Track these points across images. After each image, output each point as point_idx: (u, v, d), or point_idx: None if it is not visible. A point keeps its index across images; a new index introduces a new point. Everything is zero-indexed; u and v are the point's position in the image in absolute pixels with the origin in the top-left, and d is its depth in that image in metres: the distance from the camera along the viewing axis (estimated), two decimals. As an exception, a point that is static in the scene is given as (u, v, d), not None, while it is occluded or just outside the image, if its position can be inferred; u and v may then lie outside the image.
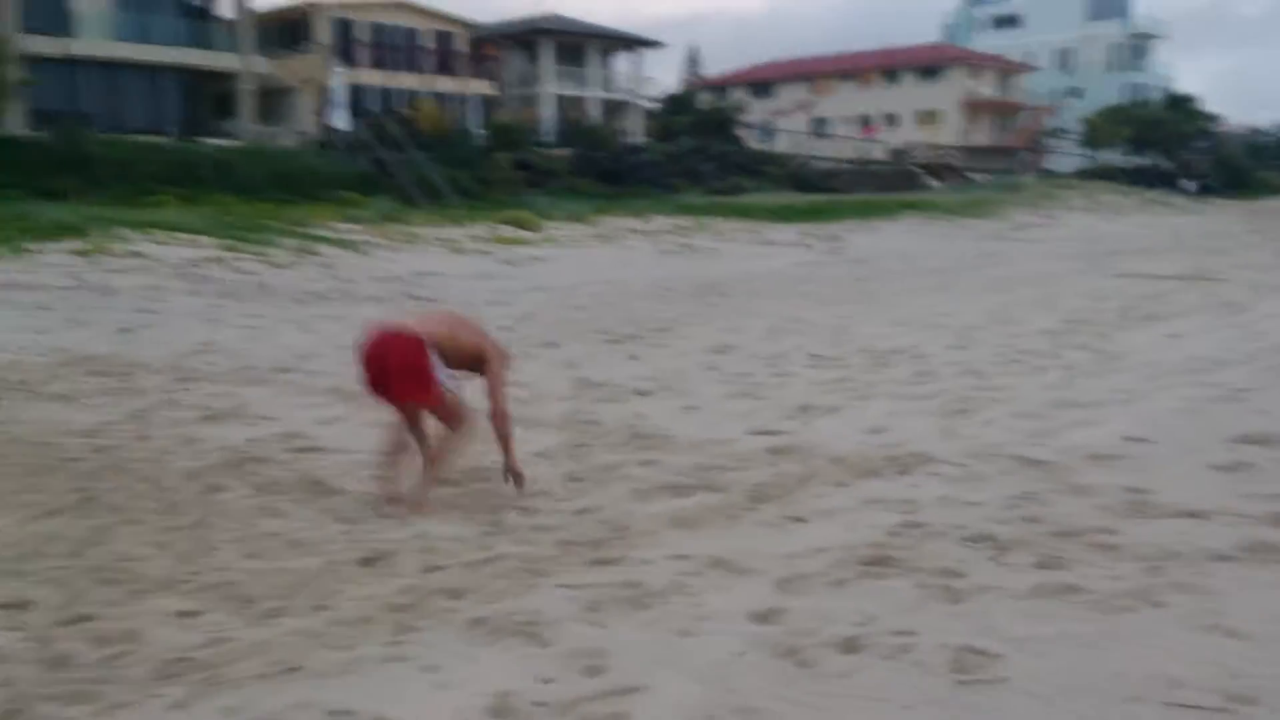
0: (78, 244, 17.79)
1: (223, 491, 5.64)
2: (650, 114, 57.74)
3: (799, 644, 3.48)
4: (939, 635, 3.51)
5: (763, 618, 3.74)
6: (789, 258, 24.91)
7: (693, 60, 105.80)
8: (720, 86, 77.82)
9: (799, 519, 4.97)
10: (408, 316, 5.70)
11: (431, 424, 5.55)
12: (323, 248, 20.15)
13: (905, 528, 4.76)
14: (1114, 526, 4.71)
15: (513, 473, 5.56)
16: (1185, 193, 61.05)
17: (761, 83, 76.78)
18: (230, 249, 18.94)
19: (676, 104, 58.12)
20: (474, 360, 5.52)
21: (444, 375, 5.29)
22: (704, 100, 62.74)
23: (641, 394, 8.67)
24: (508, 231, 25.32)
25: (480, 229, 24.93)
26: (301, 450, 6.64)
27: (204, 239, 19.65)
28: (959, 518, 4.89)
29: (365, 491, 5.53)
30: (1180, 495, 5.14)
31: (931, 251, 27.35)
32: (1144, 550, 4.37)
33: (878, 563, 4.28)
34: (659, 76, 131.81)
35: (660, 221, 29.99)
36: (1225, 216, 46.28)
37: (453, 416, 5.40)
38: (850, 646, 3.46)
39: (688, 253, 24.50)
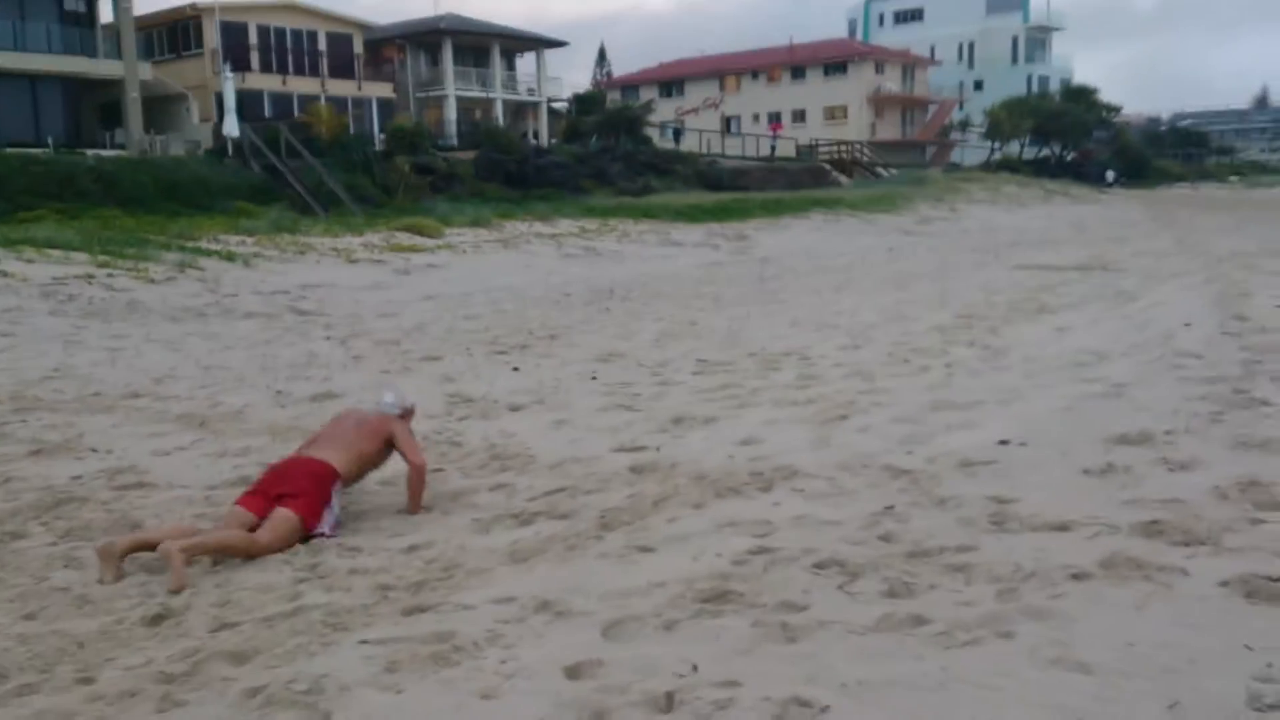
0: (-61, 264, 16.90)
1: (21, 539, 5.15)
2: (559, 115, 57.35)
3: (609, 705, 3.12)
4: (765, 685, 3.17)
5: (576, 672, 3.37)
6: (694, 258, 24.67)
7: (602, 59, 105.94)
8: (630, 86, 77.74)
9: (645, 548, 4.61)
10: (324, 444, 5.61)
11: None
12: (206, 261, 19.42)
13: (755, 554, 4.43)
14: (972, 543, 4.42)
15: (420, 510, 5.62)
16: (1105, 183, 62.10)
17: (671, 81, 76.79)
18: (104, 265, 18.15)
19: (584, 104, 57.70)
20: (381, 455, 5.72)
21: (329, 518, 5.23)
22: (612, 100, 62.53)
23: (514, 409, 8.28)
24: (405, 239, 24.75)
25: (377, 237, 24.33)
26: (126, 488, 6.14)
27: (78, 255, 18.81)
28: (814, 540, 4.57)
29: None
30: (1046, 505, 4.88)
31: (837, 248, 27.31)
32: (999, 570, 4.08)
33: (716, 598, 3.94)
34: (571, 77, 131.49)
35: (565, 225, 29.60)
36: (1126, 205, 47.11)
37: (283, 535, 5.00)
38: (665, 705, 3.11)
39: (590, 256, 24.13)
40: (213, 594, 4.33)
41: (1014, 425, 6.63)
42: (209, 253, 20.41)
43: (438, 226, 26.58)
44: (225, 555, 4.83)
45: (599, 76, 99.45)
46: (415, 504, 5.58)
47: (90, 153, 33.22)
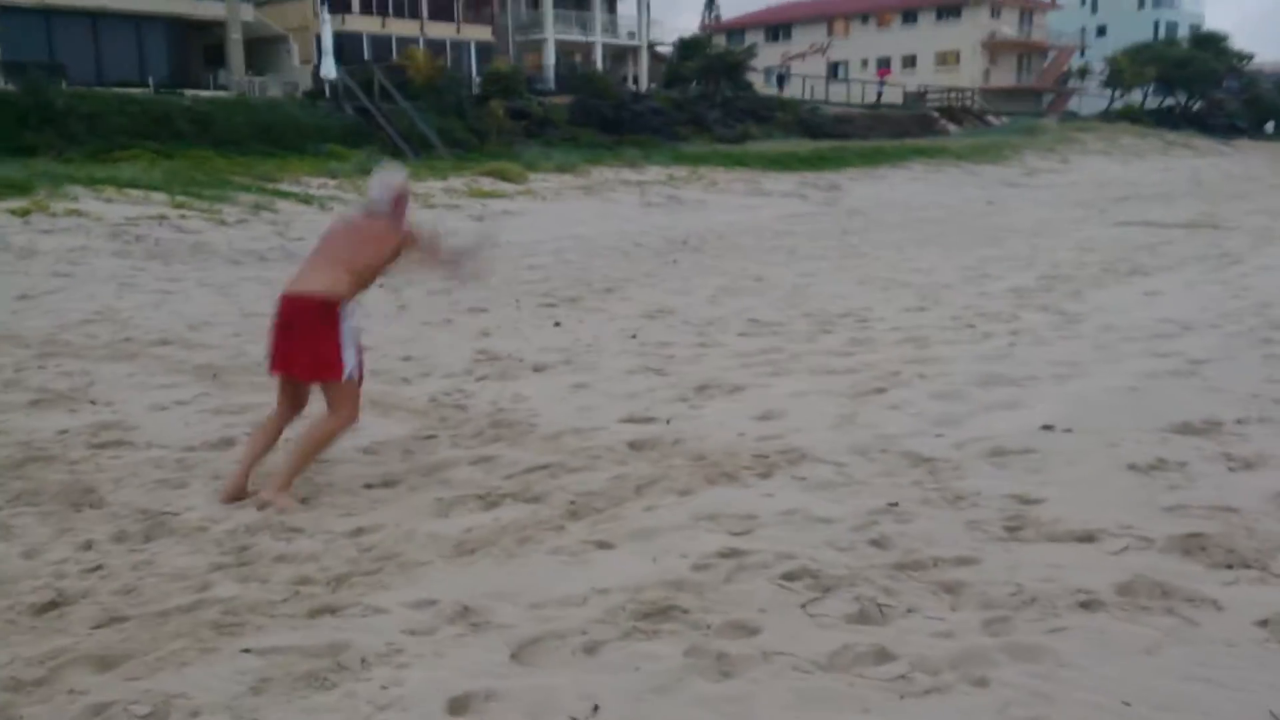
0: (19, 202, 16.99)
1: (-35, 501, 4.84)
2: (663, 59, 56.38)
3: (475, 753, 2.63)
4: (669, 737, 2.65)
5: (461, 706, 2.88)
6: (780, 209, 23.88)
7: (710, 3, 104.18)
8: (736, 30, 76.18)
9: (605, 544, 4.10)
10: (312, 268, 5.12)
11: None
12: (282, 204, 19.30)
13: (723, 557, 3.89)
14: (975, 554, 3.83)
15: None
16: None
17: (778, 25, 75.05)
18: (180, 206, 18.12)
19: (687, 49, 56.61)
20: (385, 260, 5.19)
21: (350, 347, 5.01)
22: (717, 45, 61.27)
23: (538, 369, 7.80)
24: (488, 184, 24.39)
25: (460, 181, 24.00)
26: (104, 446, 5.81)
27: (157, 196, 18.83)
28: (795, 542, 4.01)
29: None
30: (1074, 507, 4.25)
31: (933, 200, 26.25)
32: (995, 592, 3.48)
33: (658, 614, 3.42)
34: (678, 21, 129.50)
35: (653, 172, 28.95)
36: (1252, 159, 44.72)
37: (343, 402, 5.02)
38: (539, 756, 2.61)
39: (672, 205, 23.49)
40: (125, 576, 3.94)
41: (1065, 406, 5.95)
42: (287, 195, 20.29)
43: (522, 172, 26.15)
44: (321, 451, 5.05)
45: (706, 20, 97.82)
46: (453, 268, 5.46)
47: (189, 93, 33.42)
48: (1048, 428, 5.48)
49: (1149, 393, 6.19)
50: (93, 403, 6.84)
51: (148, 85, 34.68)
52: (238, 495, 4.82)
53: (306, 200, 19.83)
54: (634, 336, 9.07)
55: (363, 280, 5.11)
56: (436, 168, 26.33)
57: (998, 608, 3.37)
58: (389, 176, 5.33)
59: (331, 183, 22.53)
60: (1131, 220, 19.81)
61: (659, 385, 7.11)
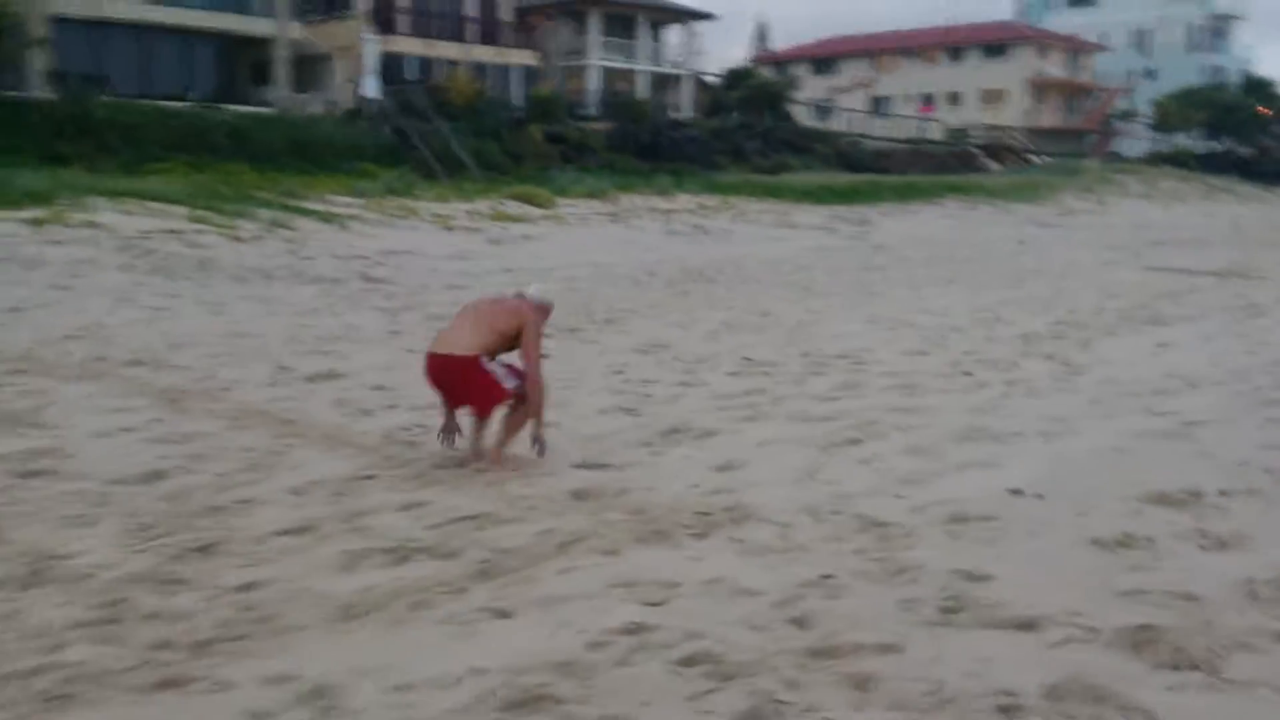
0: (37, 212, 16.98)
1: None
2: (708, 88, 56.25)
3: None
4: None
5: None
6: (804, 242, 23.55)
7: (761, 34, 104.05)
8: (783, 62, 76.01)
9: (504, 613, 3.79)
10: (454, 332, 5.87)
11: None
12: (301, 221, 19.20)
13: (625, 633, 3.57)
14: (900, 640, 3.48)
15: (538, 442, 5.78)
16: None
17: (824, 58, 74.79)
18: (198, 220, 18.05)
19: (734, 79, 56.52)
20: (512, 338, 5.78)
21: (504, 377, 5.71)
22: (763, 76, 61.06)
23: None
24: (513, 208, 24.24)
25: (485, 204, 23.87)
26: (32, 474, 5.56)
27: (177, 209, 18.79)
28: (709, 618, 3.69)
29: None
30: (1023, 588, 3.90)
31: (963, 238, 25.82)
32: (910, 690, 3.14)
33: (529, 703, 3.10)
34: (731, 52, 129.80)
35: (684, 200, 28.73)
36: (1297, 206, 43.89)
37: (521, 395, 5.71)
38: None
39: (696, 235, 23.23)
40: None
41: (1043, 467, 5.59)
42: (308, 212, 20.21)
43: (548, 196, 26.00)
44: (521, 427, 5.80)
45: (758, 52, 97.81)
46: (537, 426, 5.77)
47: (230, 108, 33.58)
48: (1016, 492, 5.13)
49: (1134, 455, 5.82)
50: (40, 426, 6.62)
51: (192, 99, 34.91)
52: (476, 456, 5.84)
53: (326, 219, 19.73)
54: (619, 372, 8.77)
55: (499, 342, 5.74)
56: (465, 189, 26.26)
57: (907, 709, 3.03)
58: (546, 292, 6.19)
59: (356, 202, 22.44)
60: (1161, 265, 19.31)
61: (628, 427, 6.80)
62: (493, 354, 5.71)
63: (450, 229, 20.35)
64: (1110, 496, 5.03)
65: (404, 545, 4.51)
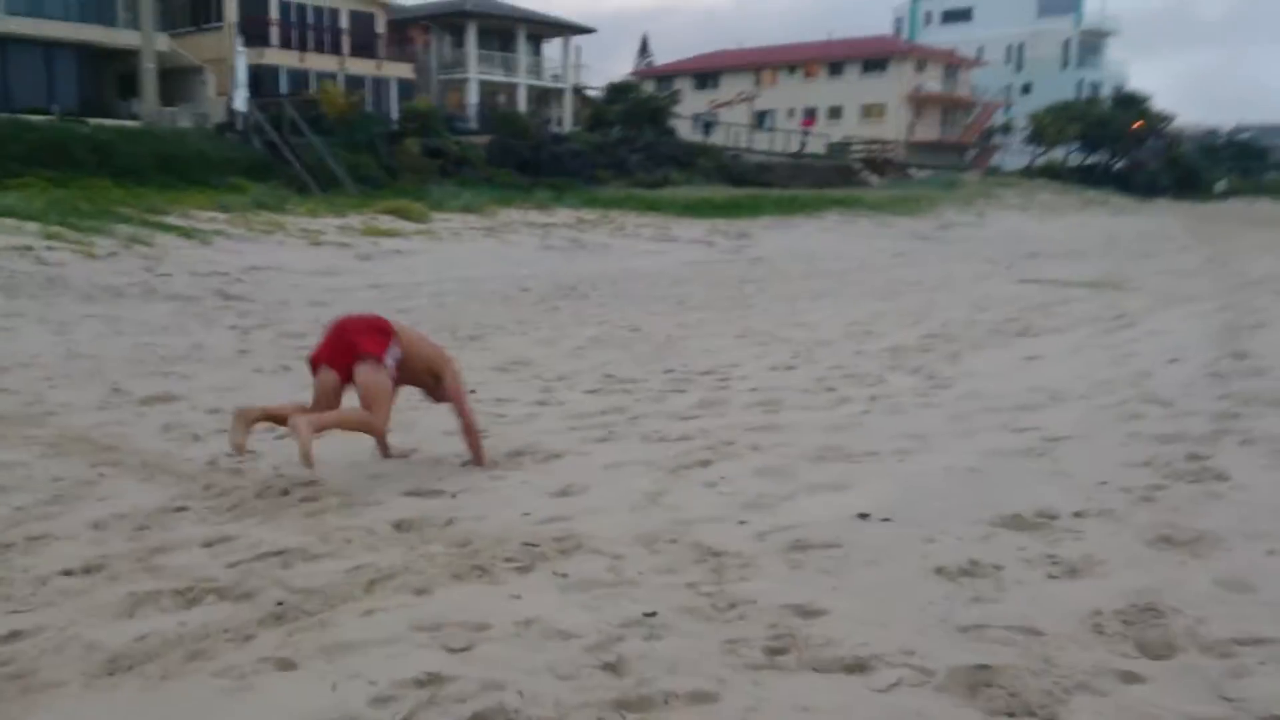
0: None
1: None
2: (590, 102, 56.03)
3: None
4: None
5: None
6: (684, 256, 23.39)
7: (644, 49, 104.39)
8: (665, 75, 76.28)
9: (287, 664, 3.39)
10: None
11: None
12: (161, 237, 18.39)
13: (419, 685, 3.20)
14: (717, 688, 3.17)
15: (484, 464, 5.97)
16: (1217, 193, 59.49)
17: (706, 72, 75.27)
18: (52, 236, 17.15)
19: (616, 93, 56.40)
20: (426, 373, 5.95)
21: (391, 359, 5.64)
22: (645, 90, 61.12)
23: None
24: (387, 222, 23.65)
25: (358, 219, 23.24)
26: None
27: (29, 225, 17.83)
28: (515, 665, 3.34)
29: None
30: (857, 623, 3.63)
31: (841, 252, 25.93)
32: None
33: (289, 772, 2.71)
34: (614, 67, 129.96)
35: (563, 214, 28.44)
36: (1168, 218, 45.21)
37: (377, 405, 5.58)
38: None
39: (573, 249, 22.91)
40: None
41: (895, 489, 5.36)
42: (169, 228, 19.40)
43: (423, 210, 25.48)
44: (348, 430, 5.70)
45: (639, 66, 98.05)
46: (479, 453, 6.01)
47: (94, 122, 32.28)
48: (864, 516, 4.87)
49: (990, 475, 5.62)
50: None
51: (55, 113, 33.46)
52: (247, 421, 5.49)
53: (188, 234, 18.95)
54: (473, 391, 8.35)
55: (411, 356, 5.82)
56: (337, 204, 25.58)
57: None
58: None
59: (221, 216, 21.64)
60: (1035, 278, 19.55)
61: (460, 453, 6.40)
62: (409, 361, 5.79)
63: (318, 244, 19.71)
64: (961, 520, 4.80)
65: (197, 586, 4.07)
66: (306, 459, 5.20)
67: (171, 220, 20.32)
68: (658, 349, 10.95)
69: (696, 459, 6.08)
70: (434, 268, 18.34)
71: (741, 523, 4.82)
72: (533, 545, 4.48)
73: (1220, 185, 64.14)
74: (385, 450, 6.16)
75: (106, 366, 9.29)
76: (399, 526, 4.83)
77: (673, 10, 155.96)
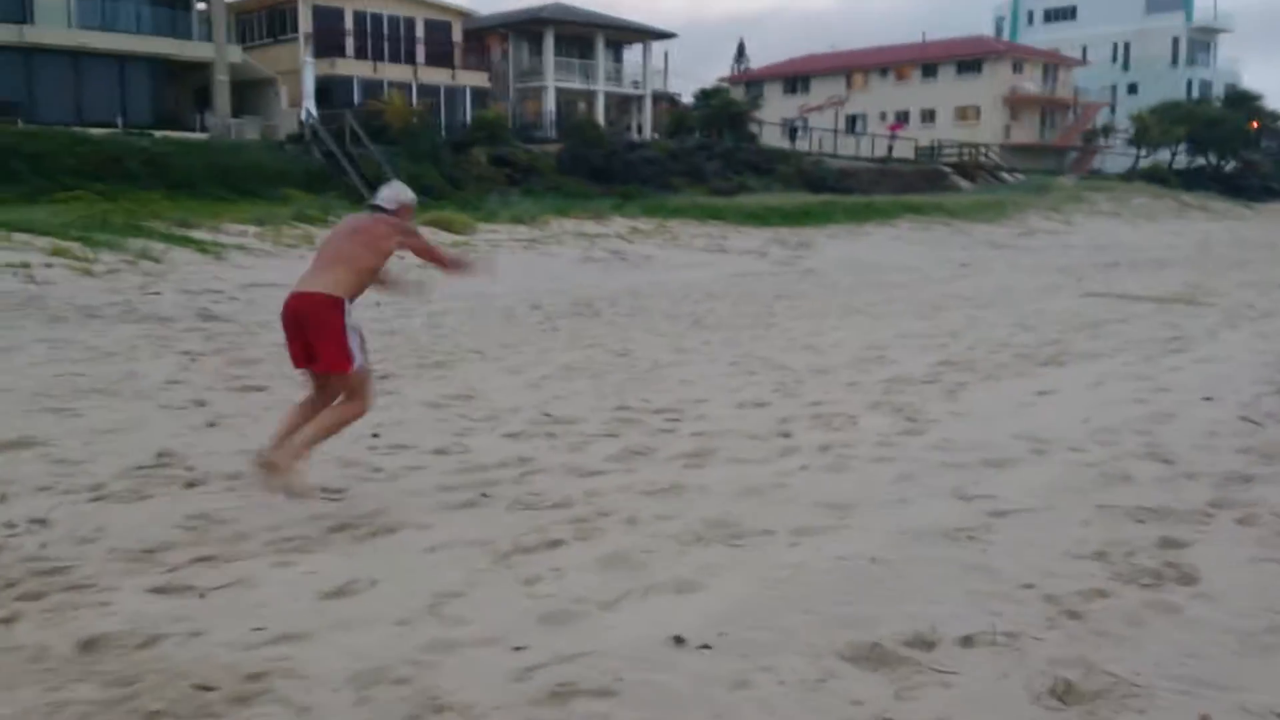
0: None
1: None
2: (677, 108, 55.09)
3: None
4: None
5: None
6: (730, 267, 22.20)
7: (741, 53, 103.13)
8: (755, 80, 74.98)
9: None
10: (317, 269, 5.55)
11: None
12: (177, 252, 17.82)
13: None
14: None
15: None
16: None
17: (796, 77, 73.69)
18: (59, 253, 16.69)
19: (704, 100, 55.35)
20: (380, 263, 5.61)
21: (355, 342, 5.46)
22: (728, 95, 59.93)
23: (191, 485, 6.12)
24: (427, 234, 22.82)
25: (395, 231, 22.45)
26: None
27: (41, 241, 17.42)
28: None
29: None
30: None
31: (904, 262, 24.47)
32: None
33: None
34: (710, 72, 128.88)
35: (619, 224, 27.42)
36: (1272, 223, 42.53)
37: (356, 392, 5.53)
38: None
39: (612, 261, 21.86)
40: None
41: (749, 593, 4.21)
42: (190, 242, 18.85)
43: (469, 221, 24.68)
44: (334, 433, 5.60)
45: (734, 71, 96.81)
46: (456, 265, 6.24)
47: (160, 134, 32.29)
48: (679, 641, 3.72)
49: (888, 572, 4.41)
50: None
51: (130, 126, 33.57)
52: (285, 464, 5.34)
53: (205, 249, 18.36)
54: (375, 435, 7.36)
55: (362, 279, 5.53)
56: (379, 216, 24.86)
57: None
58: (398, 188, 5.85)
59: (251, 230, 21.07)
60: (1103, 291, 17.95)
61: (292, 521, 5.36)
62: (354, 295, 5.49)
63: (340, 259, 18.94)
64: (803, 649, 3.62)
65: None
66: (308, 494, 5.40)
67: (198, 234, 19.78)
68: (633, 378, 9.85)
69: (548, 538, 4.97)
70: (453, 284, 17.40)
71: (517, 649, 3.70)
72: (208, 688, 3.42)
73: None
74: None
75: (19, 400, 8.51)
76: (86, 648, 3.80)
77: (778, 13, 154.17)
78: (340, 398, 5.55)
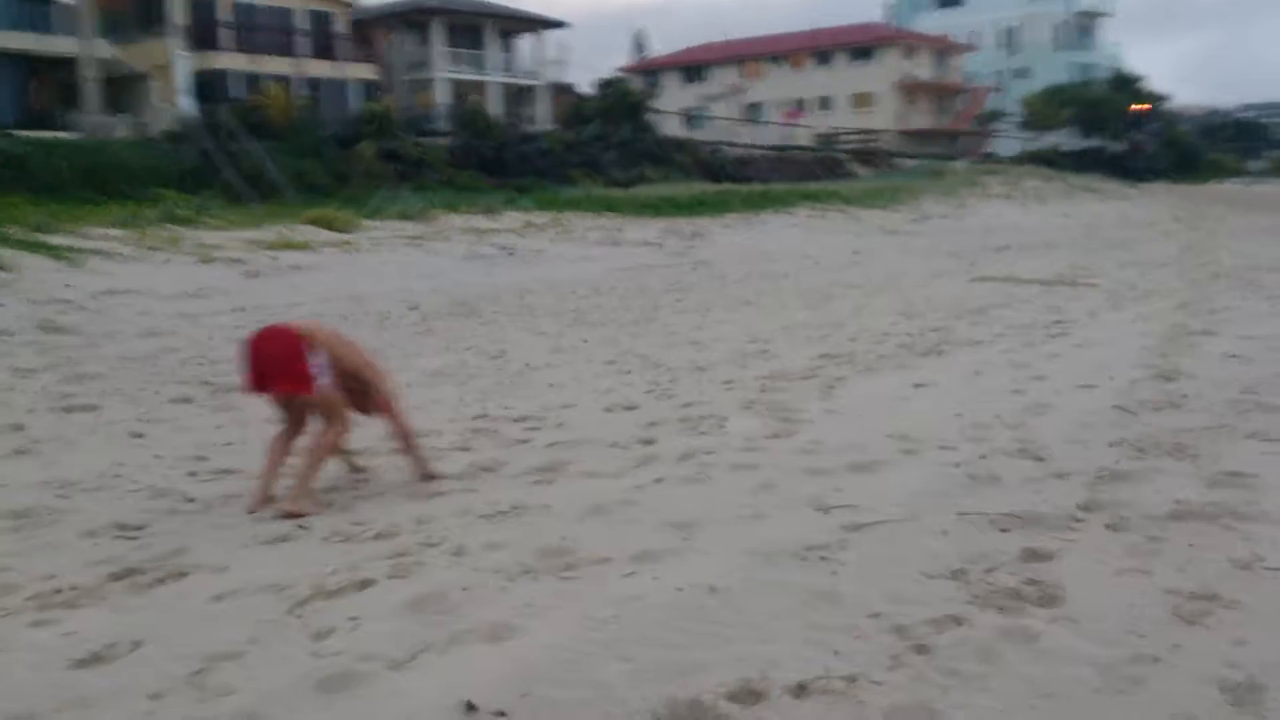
0: None
1: None
2: (574, 98, 54.37)
3: None
4: None
5: None
6: (622, 260, 21.72)
7: (639, 43, 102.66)
8: (652, 70, 74.60)
9: None
10: (295, 321, 5.79)
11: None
12: (27, 259, 16.75)
13: None
14: None
15: (430, 476, 5.93)
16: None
17: (693, 66, 73.49)
18: (-110, 266, 15.59)
19: (600, 89, 54.69)
20: (354, 381, 5.67)
21: (321, 372, 5.43)
22: (626, 85, 59.41)
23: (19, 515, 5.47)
24: (309, 233, 22.00)
25: (272, 231, 21.57)
26: None
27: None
28: None
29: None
30: None
31: (798, 250, 24.21)
32: None
33: None
34: (610, 62, 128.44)
35: (510, 219, 26.74)
36: (1157, 202, 43.34)
37: (330, 414, 5.53)
38: None
39: (499, 258, 21.22)
40: None
41: (575, 635, 3.73)
42: (43, 248, 17.79)
43: (350, 219, 23.82)
44: (324, 462, 5.54)
45: (634, 61, 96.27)
46: (424, 464, 5.96)
47: (22, 134, 30.66)
48: (471, 709, 3.22)
49: (727, 605, 3.95)
50: None
51: (-6, 126, 31.97)
52: (264, 503, 5.44)
53: (60, 255, 17.33)
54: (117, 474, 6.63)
55: (335, 360, 5.53)
56: (255, 215, 23.94)
57: None
58: None
59: (117, 234, 20.02)
60: (991, 275, 17.84)
61: (69, 568, 4.74)
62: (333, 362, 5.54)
63: (209, 262, 18.07)
64: (612, 709, 3.15)
65: None
66: (305, 512, 5.30)
67: (56, 239, 18.71)
68: (501, 383, 9.33)
69: (358, 578, 4.43)
70: (325, 285, 16.71)
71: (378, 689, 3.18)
72: None
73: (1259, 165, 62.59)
74: (357, 467, 6.09)
75: None
76: None
77: (678, 5, 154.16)
78: (319, 429, 5.58)
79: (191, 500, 5.80)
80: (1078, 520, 4.72)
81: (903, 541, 4.55)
